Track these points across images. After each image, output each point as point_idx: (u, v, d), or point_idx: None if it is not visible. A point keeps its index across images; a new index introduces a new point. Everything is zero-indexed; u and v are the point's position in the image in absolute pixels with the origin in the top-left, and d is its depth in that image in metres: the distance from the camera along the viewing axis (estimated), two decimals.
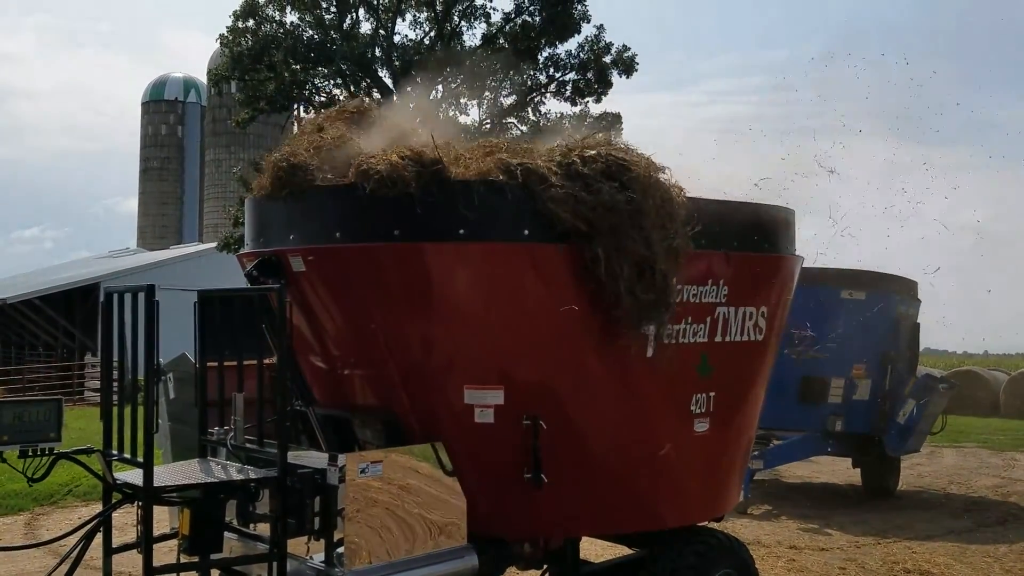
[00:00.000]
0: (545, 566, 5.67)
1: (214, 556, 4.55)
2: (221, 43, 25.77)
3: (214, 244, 28.76)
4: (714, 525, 5.95)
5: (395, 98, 24.90)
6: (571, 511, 5.16)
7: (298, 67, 24.80)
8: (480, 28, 26.37)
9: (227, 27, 25.01)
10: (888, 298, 11.53)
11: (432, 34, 25.73)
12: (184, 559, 4.57)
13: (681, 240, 4.91)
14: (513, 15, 25.48)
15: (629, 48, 25.43)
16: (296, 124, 26.85)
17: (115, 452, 4.65)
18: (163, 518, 5.01)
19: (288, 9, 25.20)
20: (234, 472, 4.65)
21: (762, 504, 11.13)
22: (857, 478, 12.39)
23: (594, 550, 6.95)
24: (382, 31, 25.61)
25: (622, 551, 6.19)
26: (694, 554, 5.44)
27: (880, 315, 11.33)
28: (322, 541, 4.42)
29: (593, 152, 4.80)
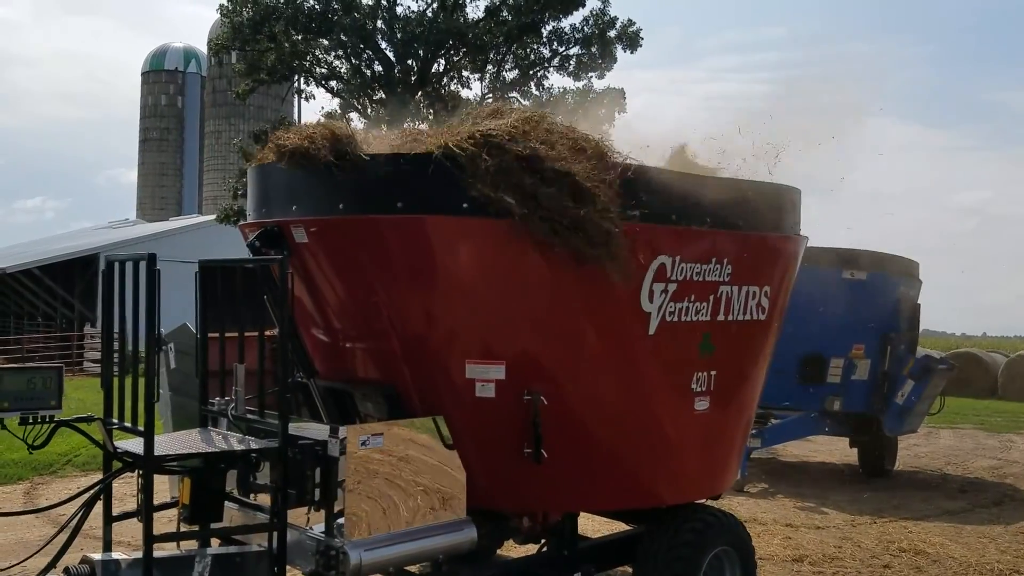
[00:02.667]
0: (543, 541, 5.69)
1: (214, 525, 4.56)
2: (221, 13, 25.55)
3: (213, 216, 28.65)
4: (711, 503, 5.97)
5: (396, 71, 24.74)
6: (570, 487, 5.17)
7: (299, 38, 24.59)
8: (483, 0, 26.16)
9: None
10: (889, 278, 11.51)
11: (435, 5, 25.47)
12: (184, 528, 4.59)
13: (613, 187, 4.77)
14: None
15: (634, 23, 25.22)
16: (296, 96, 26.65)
17: (115, 421, 4.64)
18: (163, 488, 5.02)
19: None
20: (235, 442, 4.64)
21: (759, 482, 11.19)
22: (854, 458, 12.43)
23: (592, 526, 6.98)
24: (384, 2, 25.36)
25: (620, 527, 6.22)
26: (691, 531, 5.47)
27: (881, 295, 11.32)
28: (322, 512, 4.44)
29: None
